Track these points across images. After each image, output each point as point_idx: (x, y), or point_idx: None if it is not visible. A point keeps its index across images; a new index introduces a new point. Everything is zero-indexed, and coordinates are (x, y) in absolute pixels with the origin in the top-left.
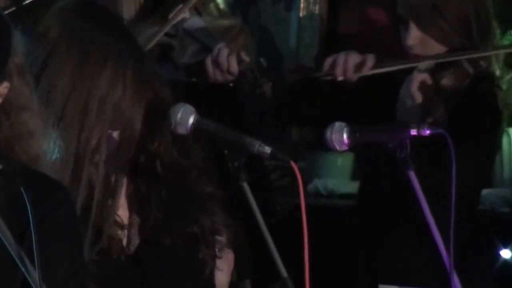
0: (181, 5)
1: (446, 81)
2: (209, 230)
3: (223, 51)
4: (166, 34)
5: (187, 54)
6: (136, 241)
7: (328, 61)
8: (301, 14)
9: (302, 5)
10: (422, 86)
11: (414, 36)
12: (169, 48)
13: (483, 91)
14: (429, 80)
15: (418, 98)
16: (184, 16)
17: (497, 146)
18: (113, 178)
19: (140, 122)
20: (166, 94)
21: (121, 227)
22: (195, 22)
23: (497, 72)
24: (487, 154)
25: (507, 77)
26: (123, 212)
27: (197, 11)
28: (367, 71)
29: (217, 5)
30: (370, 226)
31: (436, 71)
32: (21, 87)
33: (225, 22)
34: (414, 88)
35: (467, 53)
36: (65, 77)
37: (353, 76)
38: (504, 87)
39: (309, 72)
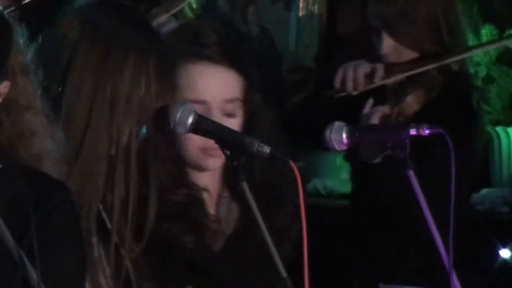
0: (155, 10)
1: (411, 99)
2: (289, 226)
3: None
4: None
5: None
6: (227, 233)
7: (338, 77)
8: (300, 14)
9: (301, 5)
10: (383, 119)
11: (387, 45)
12: None
13: (456, 94)
14: (387, 111)
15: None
16: (161, 21)
17: (477, 145)
18: (149, 175)
19: (166, 116)
20: None
21: (214, 221)
22: (172, 26)
23: (471, 70)
24: (468, 155)
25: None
26: (214, 206)
27: (174, 14)
28: (378, 81)
29: (190, 5)
30: (369, 226)
31: (400, 90)
32: (24, 86)
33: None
34: (375, 120)
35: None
36: (88, 78)
37: (365, 88)
38: (495, 85)
39: (323, 93)
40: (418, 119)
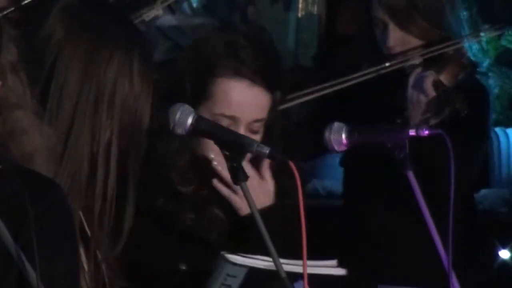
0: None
1: (444, 77)
2: None
3: None
4: None
5: (159, 52)
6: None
7: None
8: (299, 15)
9: (300, 6)
10: (434, 83)
11: (394, 36)
12: None
13: (475, 84)
14: (436, 77)
15: (432, 94)
16: (157, 13)
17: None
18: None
19: (148, 115)
20: None
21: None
22: (168, 20)
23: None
24: (481, 150)
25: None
26: None
27: (170, 9)
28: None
29: (190, 4)
30: (368, 226)
31: (431, 67)
32: (14, 84)
33: (197, 21)
34: (428, 84)
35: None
36: (73, 77)
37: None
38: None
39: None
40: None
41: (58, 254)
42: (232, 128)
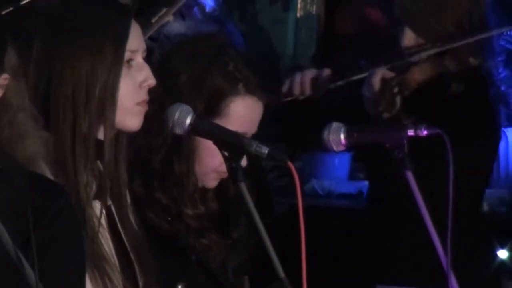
0: (164, 9)
1: (415, 70)
2: None
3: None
4: (149, 38)
5: None
6: None
7: (285, 85)
8: (298, 15)
9: (299, 5)
10: (383, 80)
11: (408, 38)
12: (149, 53)
13: (473, 90)
14: (389, 75)
15: (376, 89)
16: (168, 19)
17: (491, 143)
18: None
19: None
20: None
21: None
22: (175, 27)
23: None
24: (478, 152)
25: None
26: None
27: (181, 15)
28: (324, 83)
29: (202, 9)
30: (368, 226)
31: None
32: (16, 88)
33: (204, 29)
34: (375, 80)
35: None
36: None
37: (316, 93)
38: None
39: (272, 102)
40: (431, 108)
41: (66, 261)
42: None
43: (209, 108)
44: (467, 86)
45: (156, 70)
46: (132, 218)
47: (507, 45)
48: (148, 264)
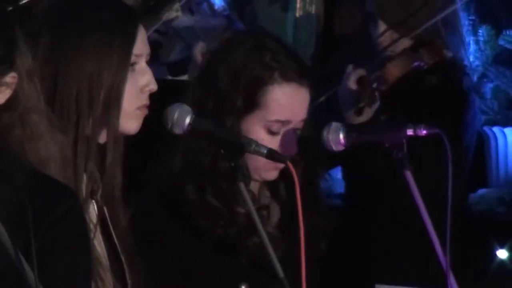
0: (174, 3)
1: (392, 65)
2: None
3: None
4: (157, 32)
5: (174, 52)
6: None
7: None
8: (297, 14)
9: (298, 5)
10: (360, 79)
11: (381, 31)
12: (157, 46)
13: (447, 79)
14: (363, 73)
15: (352, 88)
16: (177, 14)
17: (469, 134)
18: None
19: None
20: None
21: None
22: (184, 21)
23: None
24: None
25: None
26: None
27: (190, 10)
28: None
29: (211, 6)
30: (367, 226)
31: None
32: (30, 90)
33: (213, 22)
34: (351, 81)
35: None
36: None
37: None
38: (492, 85)
39: None
40: (408, 102)
41: (70, 262)
42: (283, 131)
43: (248, 100)
44: (442, 78)
45: (198, 75)
46: (123, 220)
47: (507, 45)
48: (137, 265)
